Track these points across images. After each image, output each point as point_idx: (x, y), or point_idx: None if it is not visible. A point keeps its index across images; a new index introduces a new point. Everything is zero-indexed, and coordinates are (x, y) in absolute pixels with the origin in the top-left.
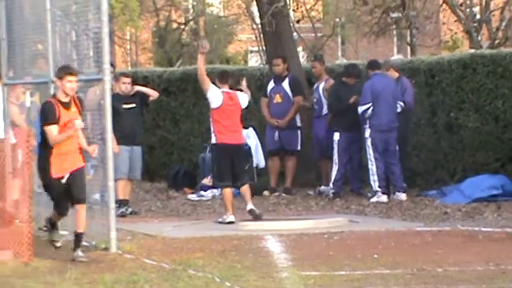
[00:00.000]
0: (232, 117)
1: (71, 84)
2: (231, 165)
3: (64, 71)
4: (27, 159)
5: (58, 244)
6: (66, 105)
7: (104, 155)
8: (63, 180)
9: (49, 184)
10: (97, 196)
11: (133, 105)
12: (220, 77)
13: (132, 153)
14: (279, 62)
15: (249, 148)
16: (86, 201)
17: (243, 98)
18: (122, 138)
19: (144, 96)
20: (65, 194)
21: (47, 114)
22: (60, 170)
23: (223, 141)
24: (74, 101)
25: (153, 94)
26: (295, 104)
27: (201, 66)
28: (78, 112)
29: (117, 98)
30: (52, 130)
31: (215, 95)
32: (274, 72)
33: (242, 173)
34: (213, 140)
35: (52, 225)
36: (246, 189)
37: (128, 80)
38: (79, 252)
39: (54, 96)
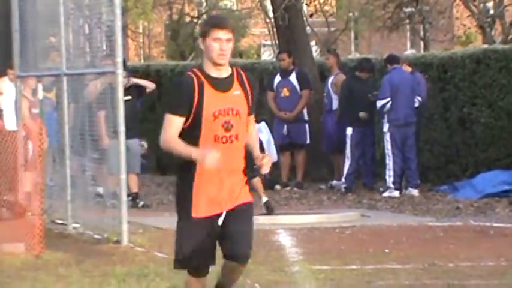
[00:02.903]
0: None
1: (219, 44)
2: None
3: (210, 24)
4: (39, 152)
5: None
6: (220, 86)
7: (116, 148)
8: (219, 222)
9: (185, 223)
10: (100, 189)
11: (129, 97)
12: None
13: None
14: (284, 57)
15: (261, 142)
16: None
17: None
18: None
19: (140, 89)
20: (211, 242)
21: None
22: (206, 205)
23: None
24: (237, 78)
25: (150, 86)
26: (303, 97)
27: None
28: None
29: None
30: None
31: None
32: (280, 66)
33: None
34: None
35: None
36: (257, 181)
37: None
38: None
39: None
